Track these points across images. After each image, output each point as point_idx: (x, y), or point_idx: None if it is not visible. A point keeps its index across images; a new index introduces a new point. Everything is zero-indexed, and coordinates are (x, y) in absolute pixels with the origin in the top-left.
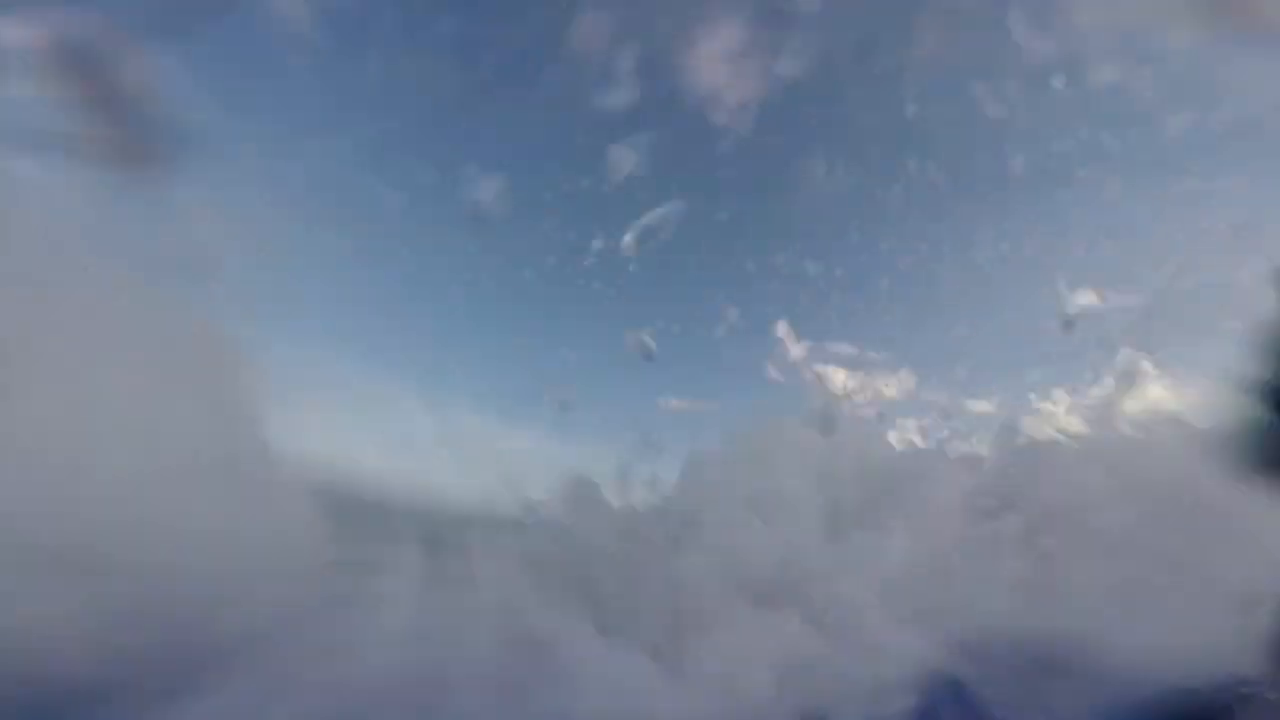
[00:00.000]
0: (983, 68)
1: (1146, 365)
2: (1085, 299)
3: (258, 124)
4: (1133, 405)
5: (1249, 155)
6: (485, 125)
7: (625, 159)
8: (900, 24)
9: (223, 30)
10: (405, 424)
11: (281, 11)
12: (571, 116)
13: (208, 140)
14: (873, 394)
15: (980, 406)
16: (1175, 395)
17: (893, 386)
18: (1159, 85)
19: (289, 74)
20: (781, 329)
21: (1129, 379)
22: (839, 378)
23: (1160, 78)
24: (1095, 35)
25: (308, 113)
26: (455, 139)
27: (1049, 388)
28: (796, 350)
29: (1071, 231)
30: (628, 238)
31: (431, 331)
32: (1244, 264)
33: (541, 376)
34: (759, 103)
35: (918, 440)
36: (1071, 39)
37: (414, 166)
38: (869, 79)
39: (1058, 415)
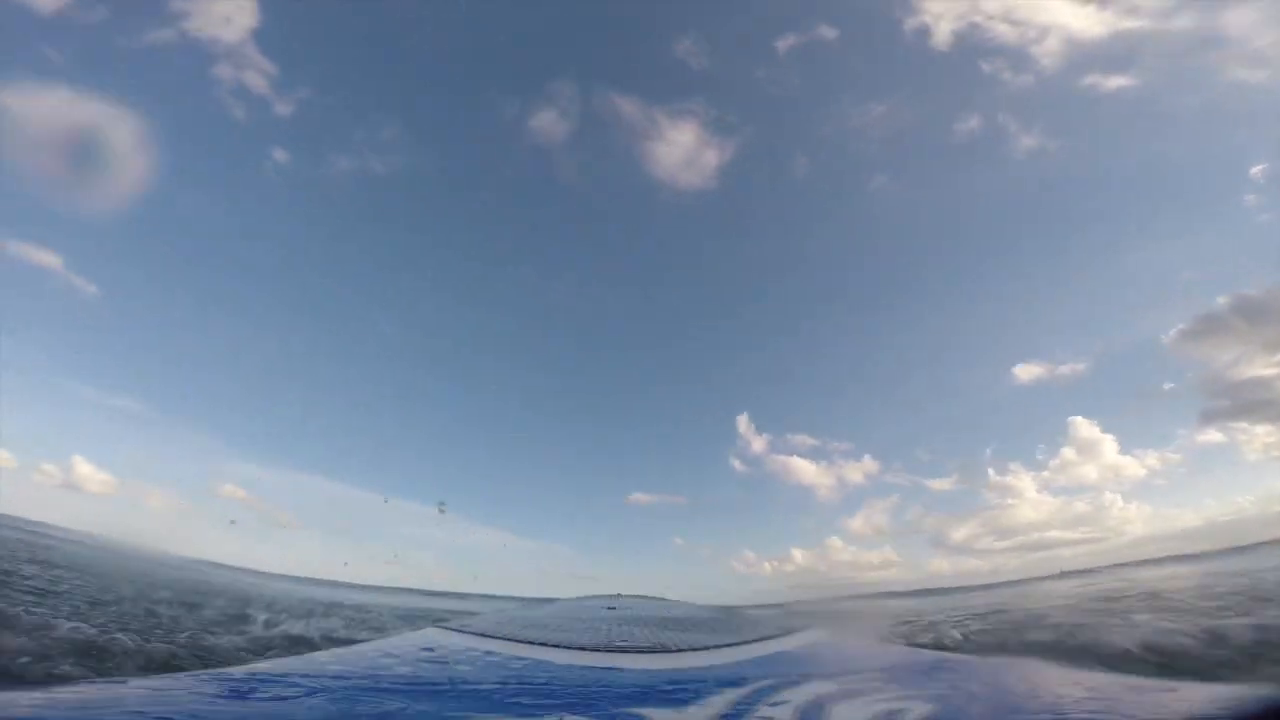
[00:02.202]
0: (906, 153)
1: (1097, 431)
2: (1031, 372)
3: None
4: (1092, 470)
5: (1158, 203)
6: (433, 237)
7: (581, 265)
8: (841, 128)
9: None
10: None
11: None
12: (522, 216)
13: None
14: (837, 481)
15: (940, 484)
16: (1132, 460)
17: (857, 472)
18: (1073, 152)
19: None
20: (742, 423)
21: (1086, 446)
22: (803, 468)
23: (1073, 143)
24: (1012, 107)
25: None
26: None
27: (1005, 461)
28: (758, 443)
29: (1008, 308)
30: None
31: (420, 451)
32: (1161, 321)
33: (514, 482)
34: (718, 200)
35: (884, 521)
36: (994, 113)
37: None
38: (815, 179)
39: (1020, 488)
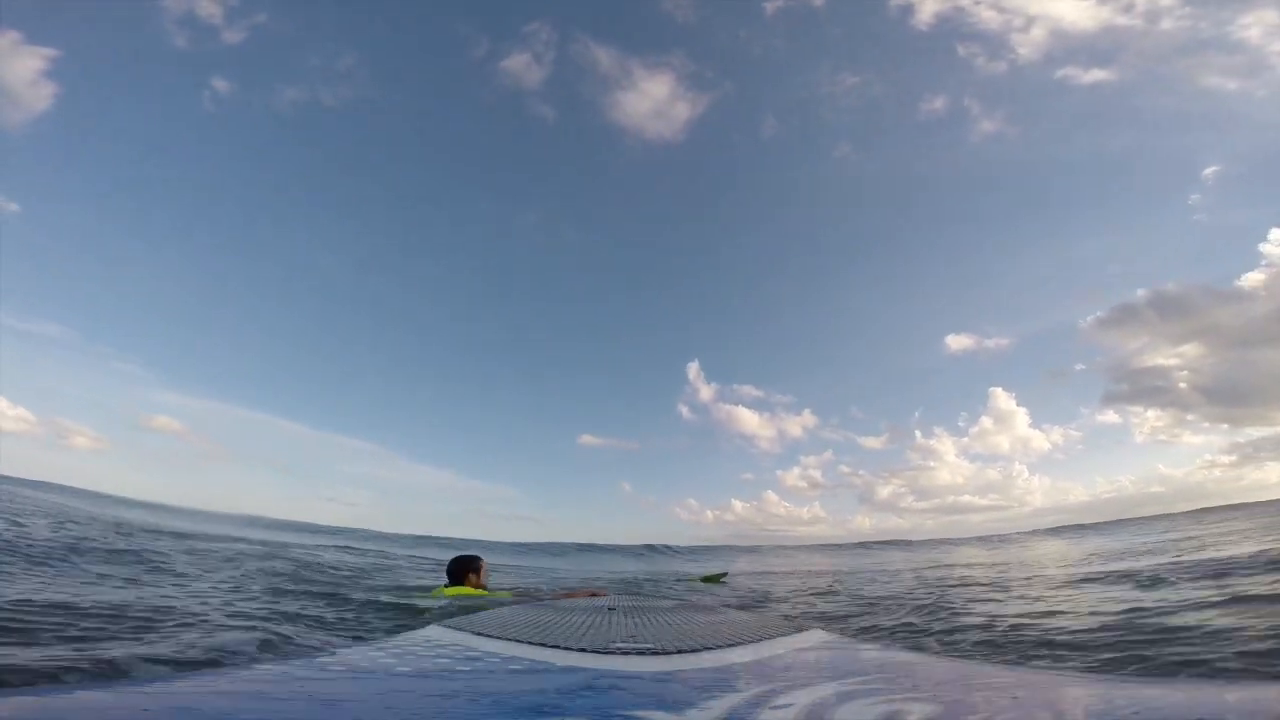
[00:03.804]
0: (871, 126)
1: (1014, 403)
2: (961, 343)
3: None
4: (1005, 441)
5: (1102, 195)
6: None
7: (539, 211)
8: (814, 95)
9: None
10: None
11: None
12: (483, 157)
13: None
14: (778, 433)
15: (871, 442)
16: (1039, 434)
17: (797, 426)
18: (1031, 140)
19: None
20: (693, 370)
21: (1003, 417)
22: (748, 418)
23: (1027, 126)
24: (976, 86)
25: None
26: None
27: (930, 425)
28: (706, 391)
29: (947, 281)
30: None
31: (362, 386)
32: (1083, 307)
33: (467, 422)
34: (685, 153)
35: (818, 476)
36: (960, 96)
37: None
38: (783, 141)
39: (942, 451)
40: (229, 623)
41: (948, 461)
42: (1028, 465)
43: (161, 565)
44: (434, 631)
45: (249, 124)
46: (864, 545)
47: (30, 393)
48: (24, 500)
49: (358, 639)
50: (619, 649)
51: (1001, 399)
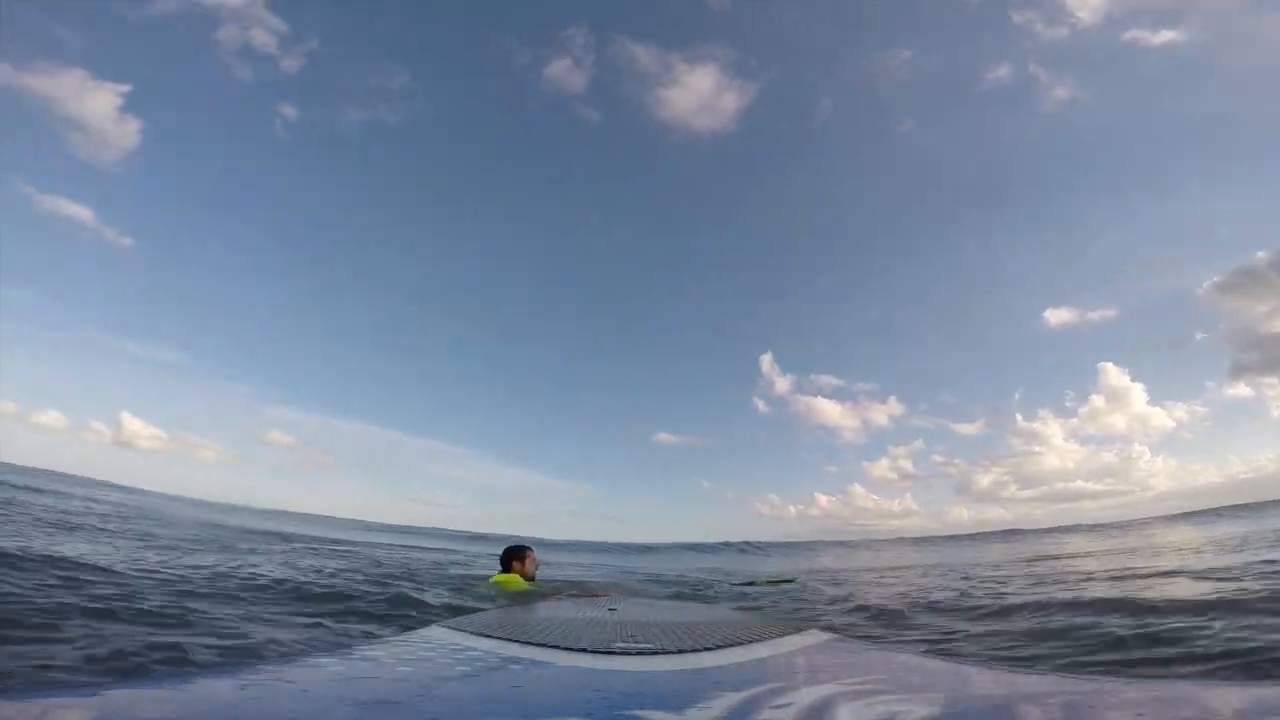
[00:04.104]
0: (933, 100)
1: (1127, 379)
2: (1061, 317)
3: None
4: (1120, 420)
5: (1202, 159)
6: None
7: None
8: (866, 73)
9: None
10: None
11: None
12: (538, 164)
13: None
14: (862, 423)
15: (966, 429)
16: (1160, 411)
17: (882, 414)
18: (1111, 104)
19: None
20: (766, 363)
21: (1116, 394)
22: (827, 409)
23: (1108, 90)
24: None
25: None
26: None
27: (1033, 407)
28: (782, 383)
29: (1039, 254)
30: None
31: (451, 393)
32: (1195, 273)
33: (548, 424)
34: (738, 143)
35: (909, 466)
36: (1024, 64)
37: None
38: (840, 123)
39: (1048, 435)
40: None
41: (1055, 445)
42: (1149, 446)
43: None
44: (434, 631)
45: (321, 146)
46: (968, 537)
47: (161, 414)
48: (176, 513)
49: (363, 637)
50: (619, 649)
51: (1113, 375)
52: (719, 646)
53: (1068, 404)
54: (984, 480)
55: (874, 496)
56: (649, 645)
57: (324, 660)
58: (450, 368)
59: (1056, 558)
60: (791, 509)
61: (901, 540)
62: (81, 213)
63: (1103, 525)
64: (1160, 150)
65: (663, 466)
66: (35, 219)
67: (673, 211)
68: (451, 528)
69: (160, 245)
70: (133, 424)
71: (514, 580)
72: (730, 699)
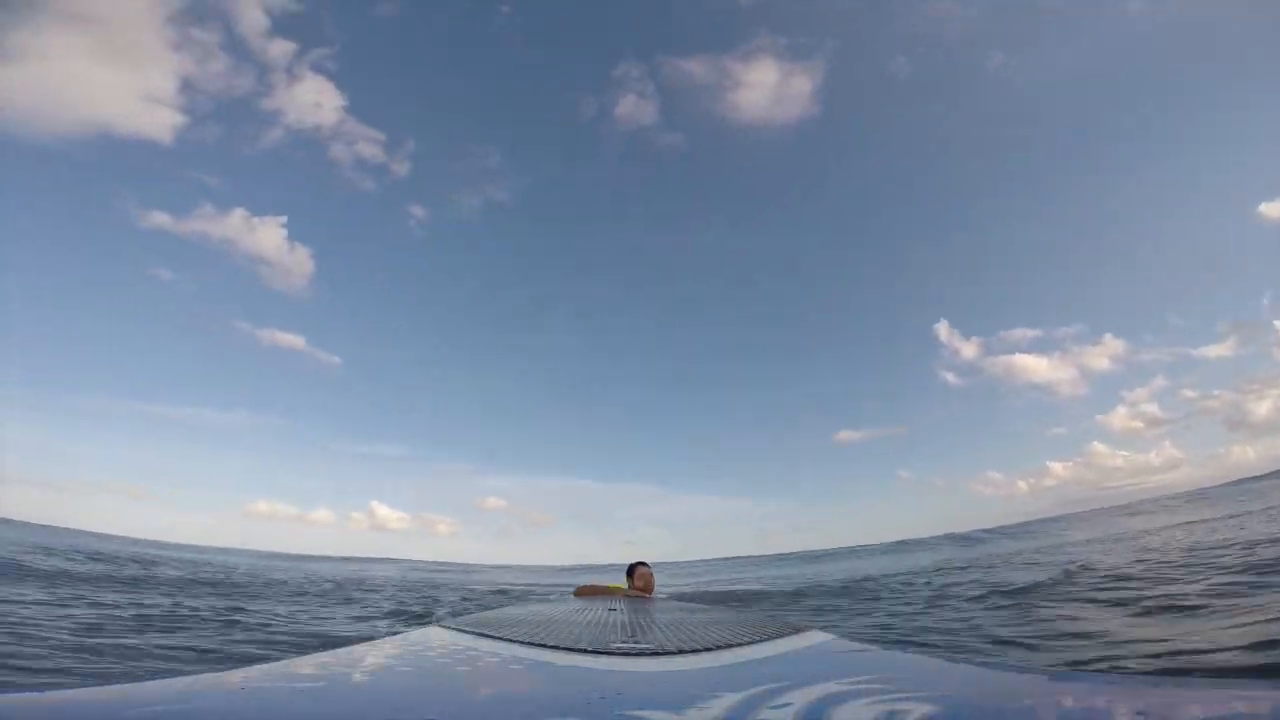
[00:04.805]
0: (1015, 29)
1: None
2: None
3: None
4: None
5: None
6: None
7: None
8: (930, 15)
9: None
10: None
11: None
12: (642, 197)
13: None
14: (1078, 372)
15: (1213, 351)
16: None
17: (1100, 358)
18: None
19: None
20: (942, 331)
21: None
22: (1031, 365)
23: None
24: None
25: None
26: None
27: None
28: (967, 348)
29: (1246, 140)
30: None
31: (631, 436)
32: None
33: (724, 448)
34: (826, 122)
35: (1155, 410)
36: None
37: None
38: (922, 74)
39: None
40: None
41: None
42: None
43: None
44: (434, 631)
45: (451, 234)
46: (1264, 479)
47: (401, 499)
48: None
49: (360, 639)
50: (619, 649)
51: None
52: (719, 646)
53: None
54: (1261, 408)
55: (1121, 453)
56: (649, 645)
57: (324, 660)
58: (625, 414)
59: None
60: (1020, 484)
61: (1174, 497)
62: (296, 341)
63: None
64: None
65: (850, 465)
66: (260, 352)
67: (789, 205)
68: (663, 560)
69: (361, 358)
70: (381, 510)
71: (619, 591)
72: (730, 699)
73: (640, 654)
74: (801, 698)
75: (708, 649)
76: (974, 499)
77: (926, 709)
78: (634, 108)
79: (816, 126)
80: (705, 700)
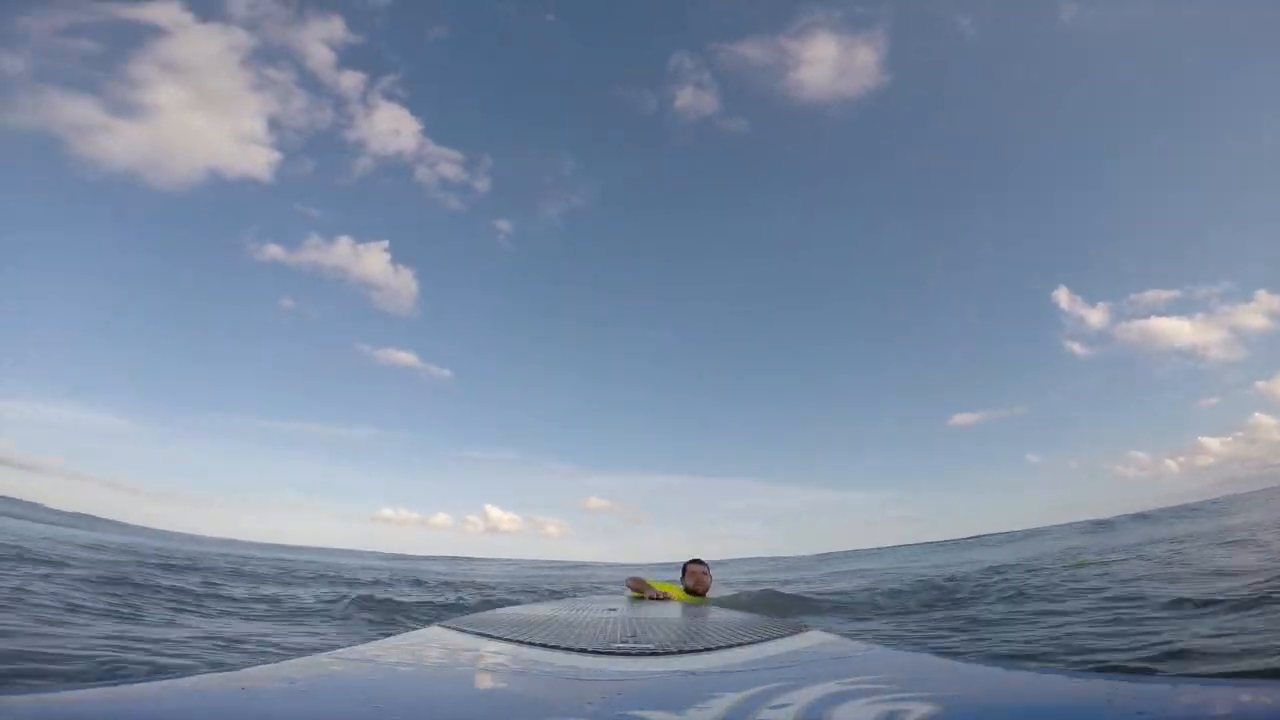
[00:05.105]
0: None
1: None
2: None
3: None
4: None
5: None
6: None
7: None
8: None
9: None
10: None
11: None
12: (724, 188)
13: None
14: (1229, 333)
15: None
16: None
17: (1253, 315)
18: None
19: None
20: (1063, 298)
21: None
22: (1171, 329)
23: None
24: None
25: None
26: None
27: None
28: (1094, 315)
29: None
30: None
31: (727, 430)
32: None
33: (827, 438)
34: (897, 91)
35: None
36: None
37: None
38: (990, 33)
39: None
40: None
41: None
42: None
43: None
44: (434, 631)
45: (539, 245)
46: None
47: (513, 501)
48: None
49: (360, 639)
50: (619, 649)
51: None
52: (719, 647)
53: None
54: None
55: None
56: (649, 645)
57: (324, 660)
58: (721, 406)
59: None
60: (1170, 464)
61: None
62: (409, 358)
63: None
64: None
65: (970, 451)
66: (379, 370)
67: (873, 179)
68: (761, 555)
69: (469, 369)
70: (494, 512)
71: (671, 588)
72: (730, 699)
73: (640, 654)
74: (801, 698)
75: (708, 649)
76: (1116, 481)
77: (926, 709)
78: (694, 98)
79: (889, 96)
80: (705, 700)
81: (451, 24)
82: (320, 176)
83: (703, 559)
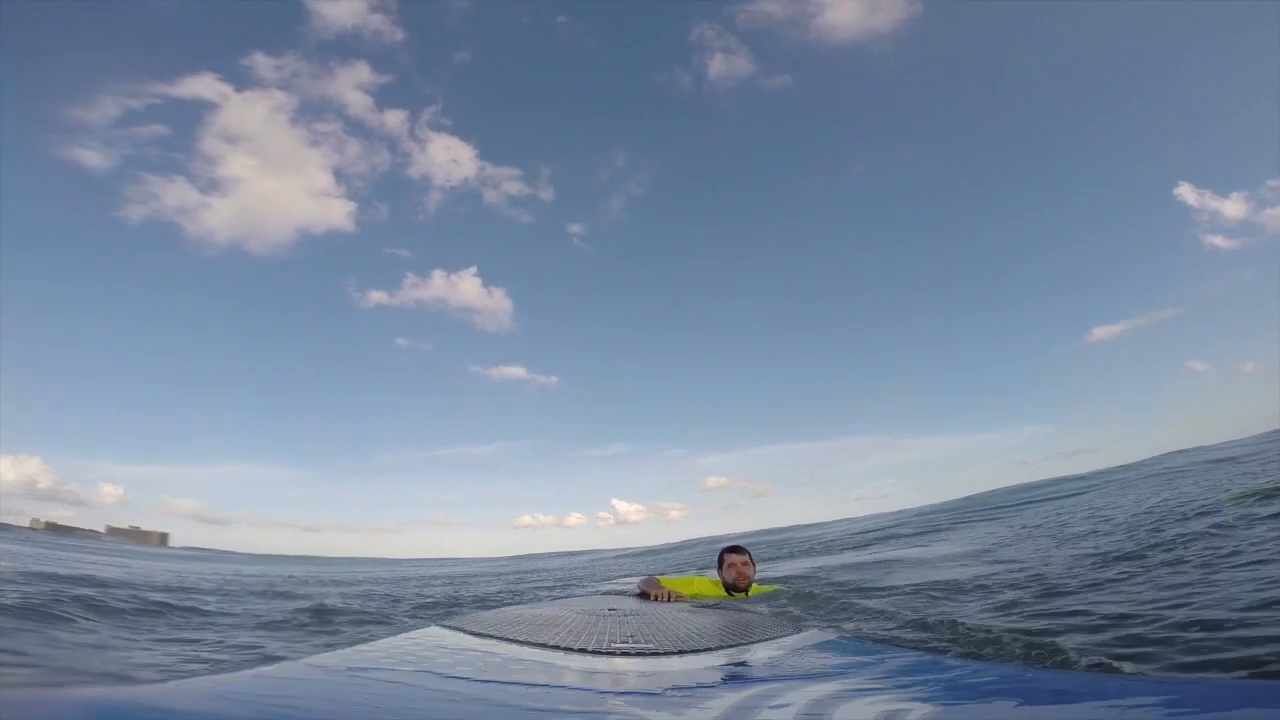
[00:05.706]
0: None
1: None
2: None
3: None
4: None
5: None
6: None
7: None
8: None
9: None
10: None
11: None
12: (778, 151)
13: None
14: None
15: None
16: None
17: None
18: None
19: None
20: (1188, 194)
21: None
22: None
23: None
24: None
25: None
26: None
27: None
28: (1230, 206)
29: None
30: None
31: (860, 382)
32: None
33: (953, 383)
34: (939, 8)
35: None
36: None
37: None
38: None
39: None
40: None
41: None
42: None
43: None
44: (433, 631)
45: (609, 240)
46: None
47: (635, 491)
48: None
49: (358, 639)
50: (618, 649)
51: None
52: (719, 646)
53: None
54: None
55: None
56: (649, 645)
57: (324, 660)
58: (828, 364)
59: None
60: None
61: None
62: (518, 371)
63: None
64: None
65: (1117, 368)
66: (494, 387)
67: (946, 106)
68: (894, 509)
69: (573, 372)
70: (620, 505)
71: (704, 585)
72: (730, 699)
73: (641, 654)
74: (801, 697)
75: (708, 649)
76: None
77: (926, 709)
78: (726, 65)
79: (933, 20)
80: (705, 700)
81: (471, 47)
82: (398, 217)
83: (743, 546)
